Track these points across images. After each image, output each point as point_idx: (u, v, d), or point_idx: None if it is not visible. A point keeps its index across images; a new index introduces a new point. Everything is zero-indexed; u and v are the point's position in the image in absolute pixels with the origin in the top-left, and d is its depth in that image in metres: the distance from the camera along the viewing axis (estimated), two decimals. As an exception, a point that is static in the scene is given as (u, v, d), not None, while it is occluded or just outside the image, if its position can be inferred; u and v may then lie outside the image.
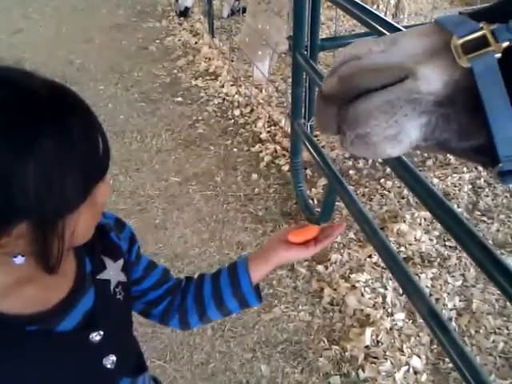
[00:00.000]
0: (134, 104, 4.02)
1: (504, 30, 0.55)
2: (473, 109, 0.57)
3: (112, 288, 0.90)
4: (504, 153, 0.57)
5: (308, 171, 3.12)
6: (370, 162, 3.19)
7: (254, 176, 3.14)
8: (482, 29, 0.56)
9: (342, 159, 3.22)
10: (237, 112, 3.84)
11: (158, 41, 5.12)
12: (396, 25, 1.87)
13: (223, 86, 4.21)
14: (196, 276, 1.11)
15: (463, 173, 3.06)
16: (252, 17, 3.62)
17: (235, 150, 3.43)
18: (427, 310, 1.71)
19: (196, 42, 5.02)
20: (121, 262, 0.94)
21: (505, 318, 2.19)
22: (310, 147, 2.59)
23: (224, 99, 4.05)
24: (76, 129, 0.69)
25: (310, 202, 2.86)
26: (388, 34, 1.78)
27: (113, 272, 0.91)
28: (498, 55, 0.55)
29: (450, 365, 2.00)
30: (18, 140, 0.64)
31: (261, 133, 3.57)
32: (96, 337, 0.84)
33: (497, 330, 2.13)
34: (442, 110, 0.59)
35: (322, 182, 3.01)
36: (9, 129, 0.64)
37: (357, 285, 2.32)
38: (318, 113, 0.68)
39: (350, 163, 3.18)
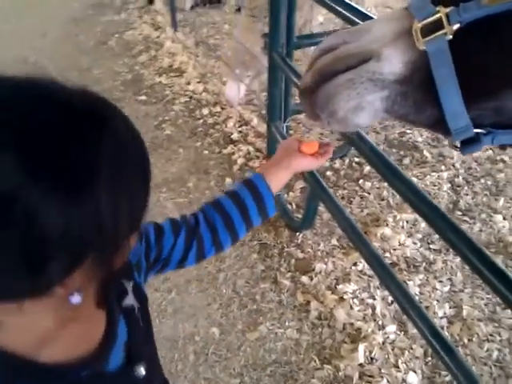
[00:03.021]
0: (95, 104, 3.77)
1: (456, 13, 0.60)
2: (427, 87, 0.64)
3: (136, 314, 0.83)
4: (453, 126, 0.65)
5: (284, 174, 2.99)
6: (347, 161, 3.09)
7: (228, 180, 2.99)
8: (438, 12, 0.61)
9: (319, 160, 3.10)
10: (205, 111, 3.66)
11: (117, 35, 4.85)
12: (372, 15, 1.77)
13: (189, 83, 4.01)
14: (205, 203, 1.07)
15: (441, 171, 3.00)
16: (242, 33, 3.37)
17: (206, 152, 3.26)
18: (421, 319, 1.64)
19: (158, 36, 4.78)
20: (132, 282, 0.85)
21: (496, 324, 2.13)
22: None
23: (191, 97, 3.86)
24: (133, 148, 0.63)
25: (289, 206, 2.74)
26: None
27: (131, 295, 0.83)
28: (450, 37, 0.61)
29: (447, 378, 1.93)
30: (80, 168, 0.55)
31: (232, 133, 3.41)
32: (141, 371, 0.77)
33: (489, 338, 2.08)
34: (401, 88, 0.66)
35: (300, 184, 2.89)
36: (69, 159, 0.54)
37: (344, 296, 2.22)
38: (303, 107, 0.77)
39: (327, 164, 3.07)
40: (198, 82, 4.01)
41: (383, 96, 0.67)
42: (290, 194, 2.85)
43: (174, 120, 3.59)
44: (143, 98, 3.87)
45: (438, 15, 0.61)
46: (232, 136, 3.38)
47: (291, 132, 3.19)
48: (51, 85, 0.57)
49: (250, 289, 2.31)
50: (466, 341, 2.06)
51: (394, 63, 0.65)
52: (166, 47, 4.54)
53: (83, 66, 4.28)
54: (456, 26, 0.60)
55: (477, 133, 0.66)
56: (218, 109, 3.69)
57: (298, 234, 2.54)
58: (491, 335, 2.09)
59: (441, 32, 0.61)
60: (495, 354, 2.01)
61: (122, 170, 0.59)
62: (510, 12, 0.57)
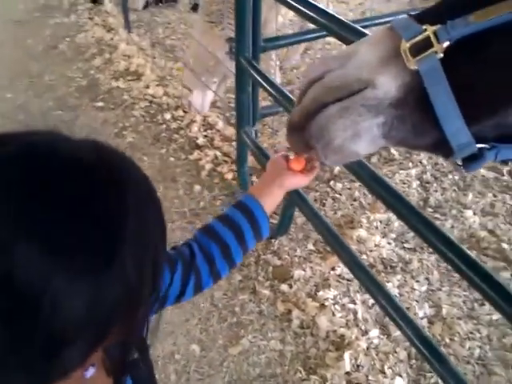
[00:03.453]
0: (50, 113, 3.58)
1: (444, 31, 0.59)
2: (424, 107, 0.62)
3: (139, 366, 0.76)
4: (455, 143, 0.62)
5: (254, 178, 2.93)
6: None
7: (197, 187, 2.91)
8: (425, 30, 0.60)
9: (288, 162, 3.06)
10: (167, 116, 3.55)
11: (68, 38, 4.64)
12: (331, 12, 1.75)
13: (148, 87, 3.88)
14: (198, 231, 1.00)
15: (409, 168, 3.02)
16: (202, 38, 3.24)
17: (172, 159, 3.16)
18: (404, 321, 1.63)
19: (111, 38, 4.60)
20: None
21: (475, 321, 2.15)
22: (258, 155, 2.42)
23: (151, 102, 3.73)
24: (151, 214, 0.63)
25: (262, 212, 2.68)
26: (333, 27, 1.71)
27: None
28: (441, 55, 0.60)
29: (432, 380, 1.93)
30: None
31: (197, 138, 3.32)
32: None
33: (470, 335, 2.09)
34: (397, 112, 0.64)
35: (271, 189, 2.84)
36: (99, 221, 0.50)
37: (326, 303, 2.19)
38: (290, 142, 0.76)
39: (297, 166, 3.02)
40: (158, 85, 3.88)
41: (379, 122, 0.65)
42: (262, 199, 2.79)
43: (135, 126, 3.46)
44: (100, 104, 3.71)
45: (425, 34, 0.60)
46: (197, 141, 3.29)
47: (259, 136, 3.13)
48: (57, 144, 0.51)
49: (229, 301, 2.25)
50: (447, 340, 2.07)
51: (389, 89, 0.63)
52: (121, 49, 4.38)
53: (34, 73, 4.07)
54: (446, 44, 0.59)
55: (480, 148, 0.64)
56: (180, 113, 3.59)
57: (273, 240, 2.49)
58: (471, 333, 2.11)
59: (431, 50, 0.60)
60: (477, 351, 2.03)
61: (144, 229, 0.56)
62: (498, 27, 0.57)
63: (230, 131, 3.29)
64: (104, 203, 0.49)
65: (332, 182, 2.90)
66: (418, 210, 1.49)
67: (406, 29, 0.62)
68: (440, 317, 2.18)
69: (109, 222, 0.49)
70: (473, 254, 2.40)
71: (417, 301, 2.24)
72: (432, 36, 0.60)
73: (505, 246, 2.47)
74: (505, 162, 0.73)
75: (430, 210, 2.74)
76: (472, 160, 0.65)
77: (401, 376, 1.93)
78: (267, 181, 1.03)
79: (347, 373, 1.93)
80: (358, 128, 0.66)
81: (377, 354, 2.01)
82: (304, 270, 2.35)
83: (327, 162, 0.72)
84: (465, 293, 2.27)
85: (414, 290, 2.29)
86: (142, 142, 3.31)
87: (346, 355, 1.96)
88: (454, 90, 0.60)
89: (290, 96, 2.06)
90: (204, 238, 0.96)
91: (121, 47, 4.41)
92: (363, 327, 2.10)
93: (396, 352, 2.02)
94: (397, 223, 2.61)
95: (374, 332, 2.08)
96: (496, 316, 2.13)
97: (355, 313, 2.16)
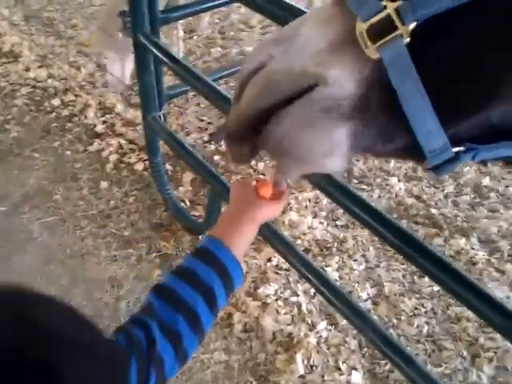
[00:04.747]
0: None
1: (408, 8, 0.46)
2: (390, 106, 0.50)
3: None
4: (428, 148, 0.52)
5: (168, 166, 2.64)
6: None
7: (104, 184, 2.56)
8: (385, 8, 0.47)
9: (202, 144, 2.81)
10: (56, 102, 3.10)
11: None
12: None
13: (29, 70, 3.37)
14: (154, 297, 0.76)
15: (329, 138, 2.90)
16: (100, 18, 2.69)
17: (68, 152, 2.76)
18: (348, 309, 1.51)
19: (-26, 14, 3.94)
20: None
21: (417, 295, 2.11)
22: (170, 142, 2.14)
23: (34, 87, 3.24)
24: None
25: (183, 205, 2.42)
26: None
27: None
28: (407, 39, 0.47)
29: (387, 367, 1.86)
30: None
31: (95, 125, 2.93)
32: None
33: (415, 312, 2.05)
34: (360, 115, 0.52)
35: (188, 177, 2.58)
36: None
37: (267, 300, 2.02)
38: (231, 154, 0.64)
39: (212, 147, 2.78)
40: (40, 67, 3.39)
41: (345, 130, 0.53)
42: (181, 189, 2.53)
43: (19, 118, 2.99)
44: (-28, 94, 3.16)
45: (385, 12, 0.47)
46: (96, 128, 2.91)
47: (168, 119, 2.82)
48: None
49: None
50: (394, 321, 2.01)
51: (345, 84, 0.51)
52: (-12, 26, 3.76)
53: None
54: (412, 25, 0.46)
55: (456, 152, 0.53)
56: (70, 97, 3.15)
57: (201, 236, 2.26)
58: (416, 308, 2.06)
59: (394, 34, 0.47)
60: (425, 328, 1.98)
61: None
62: (480, 2, 0.45)
63: (132, 114, 2.95)
64: None
65: (253, 162, 2.70)
66: (345, 184, 1.36)
67: (361, 4, 0.48)
68: (383, 296, 2.11)
69: None
70: (403, 223, 2.40)
71: (358, 282, 2.15)
72: (394, 15, 0.46)
73: (433, 211, 2.45)
74: (483, 163, 0.61)
75: (355, 181, 2.65)
76: (445, 163, 0.54)
77: (356, 369, 1.83)
78: (235, 215, 0.82)
79: (301, 376, 1.79)
80: (328, 140, 0.54)
81: (328, 349, 1.89)
82: (238, 266, 2.15)
83: (289, 177, 0.63)
84: (403, 266, 2.22)
85: (353, 270, 2.20)
86: (29, 136, 2.86)
87: (298, 356, 1.82)
88: (426, 83, 0.48)
89: (198, 74, 1.81)
90: (165, 310, 0.72)
91: (-13, 23, 3.78)
92: (309, 321, 1.97)
93: (346, 342, 1.92)
94: (325, 200, 2.49)
95: (322, 324, 1.96)
96: (437, 287, 2.10)
97: (299, 306, 2.02)
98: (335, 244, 2.31)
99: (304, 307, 2.01)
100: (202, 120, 2.96)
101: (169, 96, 2.47)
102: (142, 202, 2.47)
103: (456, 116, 0.51)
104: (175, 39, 2.94)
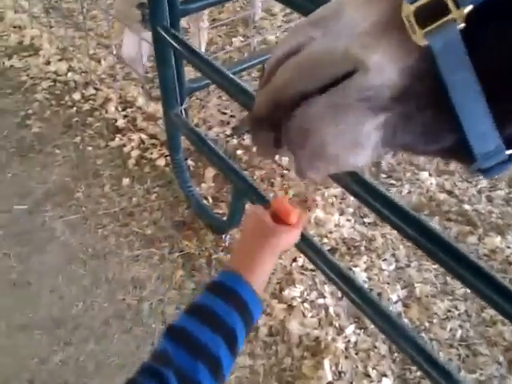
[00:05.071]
0: None
1: None
2: (437, 101, 0.45)
3: None
4: (479, 150, 0.46)
5: (189, 161, 2.58)
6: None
7: (126, 181, 2.52)
8: None
9: (224, 138, 2.74)
10: (77, 96, 3.06)
11: None
12: None
13: (49, 63, 3.33)
14: (171, 343, 0.67)
15: (356, 130, 2.80)
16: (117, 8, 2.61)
17: (89, 148, 2.73)
18: (376, 314, 1.43)
19: (-6, 7, 3.92)
20: None
21: (450, 297, 2.02)
22: (192, 137, 2.09)
23: (55, 81, 3.21)
24: None
25: (205, 202, 2.37)
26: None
27: None
28: (461, 25, 0.41)
29: (418, 373, 1.78)
30: None
31: (116, 119, 2.89)
32: None
33: (448, 314, 1.96)
34: (401, 108, 0.46)
35: (211, 172, 2.52)
36: None
37: (293, 303, 1.95)
38: (255, 142, 0.57)
39: (235, 141, 2.71)
40: (60, 60, 3.35)
41: (380, 123, 0.48)
42: (203, 185, 2.47)
43: (40, 113, 2.96)
44: (-7, 89, 3.15)
45: None
46: (117, 123, 2.86)
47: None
48: None
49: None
50: (427, 324, 1.92)
51: (387, 72, 0.45)
52: (9, 20, 3.74)
53: None
54: (468, 9, 0.41)
55: (510, 154, 0.47)
56: (91, 91, 3.11)
57: (224, 236, 2.20)
58: (449, 311, 1.97)
59: (447, 18, 0.42)
60: (459, 332, 1.89)
61: None
62: None
63: (154, 108, 2.89)
64: None
65: (277, 157, 2.61)
66: (370, 181, 1.29)
67: None
68: (414, 297, 2.02)
69: None
70: (435, 220, 2.30)
71: (387, 283, 2.06)
72: None
73: (466, 207, 2.34)
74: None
75: (383, 175, 2.55)
76: (496, 166, 0.48)
77: (386, 375, 1.76)
78: (253, 245, 0.74)
79: (329, 382, 1.73)
80: (358, 133, 0.49)
81: (357, 354, 1.82)
82: (263, 266, 2.09)
83: (309, 173, 0.55)
84: (434, 266, 2.12)
85: (383, 270, 2.12)
86: (51, 132, 2.83)
87: (326, 362, 1.76)
88: (481, 76, 0.43)
89: (218, 67, 1.74)
90: (183, 356, 0.64)
91: (8, 16, 3.76)
92: (337, 324, 1.90)
93: (376, 347, 1.85)
94: (352, 197, 2.40)
95: (350, 328, 1.89)
96: (471, 289, 2.00)
97: (326, 309, 1.95)
98: (363, 243, 2.23)
99: (331, 310, 1.94)
100: (225, 113, 2.88)
101: (190, 89, 2.40)
102: (165, 200, 2.42)
103: None
104: (197, 30, 2.86)
